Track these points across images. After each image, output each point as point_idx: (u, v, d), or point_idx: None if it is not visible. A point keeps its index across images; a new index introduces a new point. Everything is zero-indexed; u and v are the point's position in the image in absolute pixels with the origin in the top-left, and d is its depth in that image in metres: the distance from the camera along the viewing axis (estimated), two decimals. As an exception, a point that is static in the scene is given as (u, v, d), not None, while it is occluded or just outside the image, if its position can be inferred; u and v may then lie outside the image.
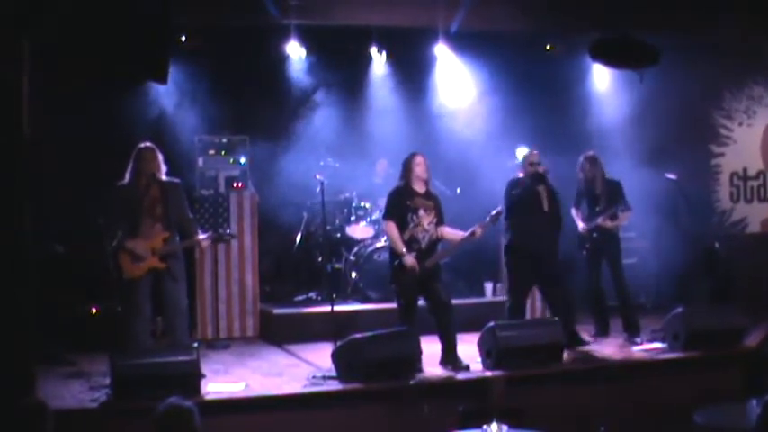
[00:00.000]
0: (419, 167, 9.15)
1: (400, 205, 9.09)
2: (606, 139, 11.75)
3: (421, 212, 9.09)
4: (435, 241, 9.17)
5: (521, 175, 9.90)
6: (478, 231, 9.07)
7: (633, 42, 9.61)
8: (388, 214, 9.17)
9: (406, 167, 9.19)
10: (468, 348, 9.33)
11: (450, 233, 9.26)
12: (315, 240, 11.89)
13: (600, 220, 10.30)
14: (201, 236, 9.05)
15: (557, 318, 9.43)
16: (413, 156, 9.24)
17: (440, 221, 9.23)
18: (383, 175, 12.10)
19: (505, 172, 12.09)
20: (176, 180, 8.95)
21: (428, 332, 9.20)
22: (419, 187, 9.17)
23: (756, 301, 10.84)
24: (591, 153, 10.55)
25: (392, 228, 9.06)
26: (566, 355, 9.19)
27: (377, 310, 10.82)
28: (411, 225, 9.05)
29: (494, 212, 9.13)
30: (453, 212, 10.88)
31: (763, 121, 13.71)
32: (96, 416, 7.58)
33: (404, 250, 8.96)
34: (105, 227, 8.60)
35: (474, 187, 12.01)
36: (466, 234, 9.13)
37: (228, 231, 9.99)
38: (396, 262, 9.05)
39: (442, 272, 9.39)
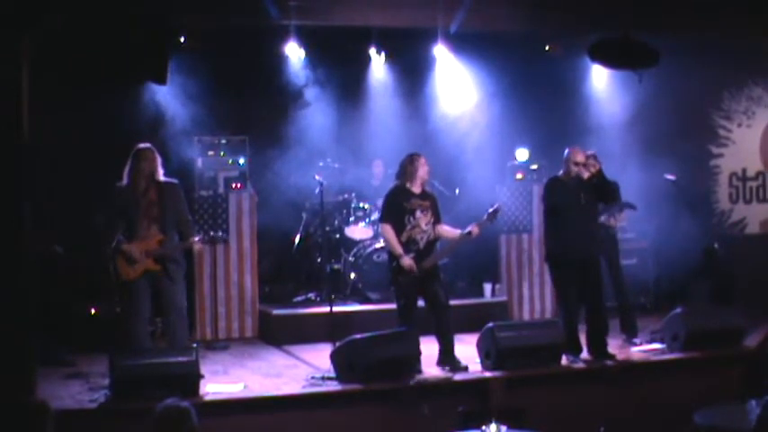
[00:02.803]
0: (423, 168, 9.15)
1: (397, 207, 9.09)
2: (605, 139, 11.73)
3: (418, 213, 9.09)
4: (433, 241, 9.19)
5: (560, 173, 9.51)
6: (475, 230, 9.10)
7: (632, 43, 9.60)
8: (385, 217, 9.18)
9: (408, 168, 9.15)
10: (468, 349, 9.33)
11: (448, 232, 9.28)
12: (314, 241, 11.89)
13: (603, 219, 10.25)
14: (195, 238, 9.01)
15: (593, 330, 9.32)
16: (417, 156, 9.22)
17: (437, 220, 9.24)
18: (380, 176, 12.10)
19: (504, 172, 12.15)
20: (174, 181, 8.93)
21: (428, 333, 9.21)
22: (415, 188, 9.16)
23: (756, 301, 10.84)
24: (590, 152, 10.54)
25: (389, 230, 9.07)
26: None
27: (376, 310, 10.82)
28: (408, 227, 9.06)
29: (490, 210, 9.12)
30: (452, 213, 10.92)
31: (762, 122, 13.72)
32: (95, 416, 7.58)
33: (401, 252, 8.97)
34: (103, 228, 8.59)
35: (473, 188, 12.02)
36: (463, 233, 9.15)
37: (220, 233, 9.94)
38: (394, 263, 9.07)
39: (441, 272, 9.39)
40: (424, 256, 9.06)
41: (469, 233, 9.10)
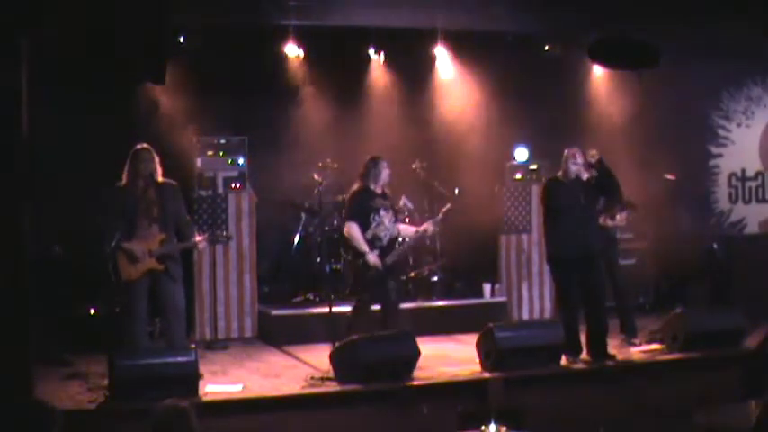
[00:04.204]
0: (385, 171, 9.48)
1: (363, 207, 9.37)
2: (605, 139, 11.73)
3: (382, 212, 9.39)
4: (395, 238, 9.53)
5: (559, 174, 9.50)
6: (430, 228, 9.64)
7: (632, 43, 9.60)
8: (352, 216, 9.42)
9: (373, 171, 9.42)
10: (467, 349, 9.32)
11: (404, 229, 9.73)
12: (313, 241, 11.86)
13: (600, 220, 10.24)
14: (198, 237, 9.04)
15: (593, 332, 9.31)
16: (380, 160, 9.49)
17: (396, 219, 9.67)
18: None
19: (503, 172, 12.14)
20: (173, 182, 8.93)
21: (426, 333, 9.19)
22: (378, 189, 9.46)
23: (755, 301, 10.82)
24: (593, 151, 10.54)
25: (355, 228, 9.29)
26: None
27: (375, 310, 10.81)
28: (373, 224, 9.34)
29: (445, 209, 9.64)
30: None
31: (761, 122, 13.73)
32: (94, 417, 7.57)
33: (367, 249, 9.22)
34: (103, 228, 8.58)
35: (472, 188, 12.02)
36: (419, 230, 9.67)
37: (225, 233, 10.02)
38: (360, 260, 9.27)
39: (400, 272, 9.91)
40: (388, 252, 9.33)
41: (425, 231, 9.66)
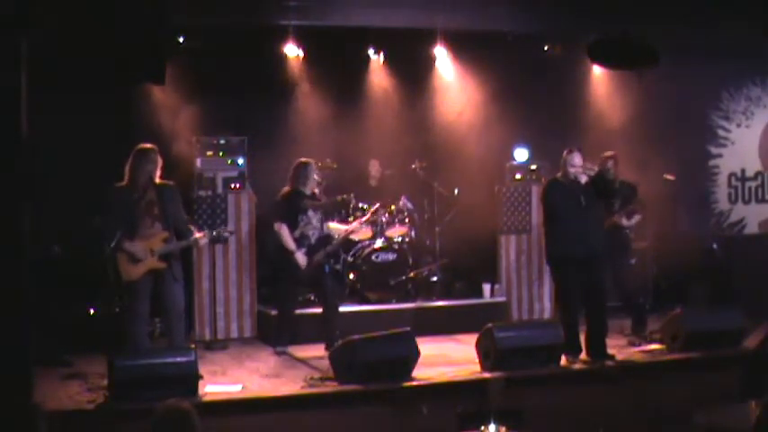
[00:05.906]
0: (314, 174, 10.08)
1: (291, 208, 9.88)
2: (604, 139, 11.74)
3: (310, 213, 9.98)
4: (323, 237, 10.04)
5: (559, 175, 9.51)
6: (357, 226, 10.51)
7: (632, 43, 9.60)
8: (281, 217, 9.89)
9: (302, 174, 9.94)
10: (467, 349, 9.32)
11: (335, 227, 10.41)
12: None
13: (617, 219, 10.34)
14: (198, 234, 9.03)
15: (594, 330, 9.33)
16: (308, 163, 10.01)
17: (326, 219, 10.33)
18: (378, 177, 12.07)
19: (503, 172, 12.14)
20: (171, 183, 8.91)
21: (426, 333, 9.17)
22: (307, 190, 9.96)
23: (755, 301, 10.82)
24: (611, 153, 10.57)
25: (284, 229, 9.86)
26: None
27: (375, 311, 10.85)
28: (301, 224, 9.90)
29: (373, 208, 10.69)
30: (452, 214, 10.91)
31: (761, 122, 13.73)
32: (93, 417, 7.56)
33: (294, 248, 9.80)
34: (103, 228, 8.56)
35: (472, 188, 12.02)
36: (349, 228, 10.47)
37: (225, 226, 10.18)
38: (291, 258, 9.76)
39: (335, 264, 10.66)
40: (316, 251, 9.90)
41: (353, 230, 10.51)
